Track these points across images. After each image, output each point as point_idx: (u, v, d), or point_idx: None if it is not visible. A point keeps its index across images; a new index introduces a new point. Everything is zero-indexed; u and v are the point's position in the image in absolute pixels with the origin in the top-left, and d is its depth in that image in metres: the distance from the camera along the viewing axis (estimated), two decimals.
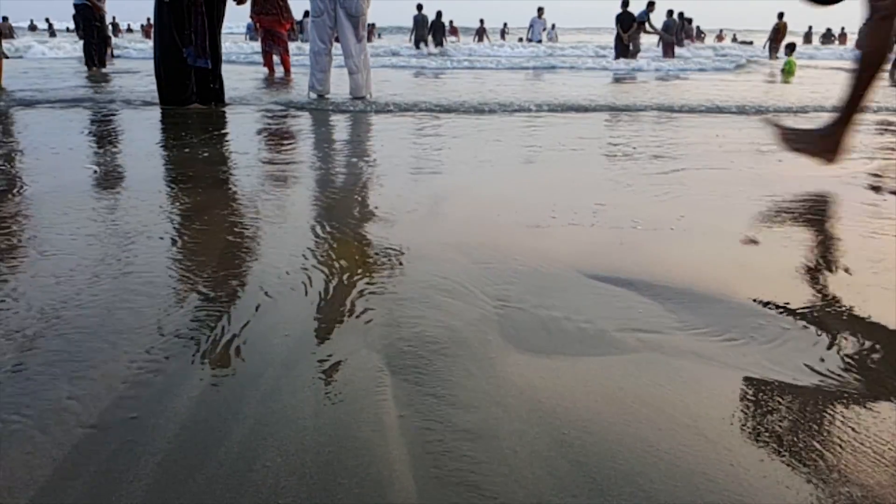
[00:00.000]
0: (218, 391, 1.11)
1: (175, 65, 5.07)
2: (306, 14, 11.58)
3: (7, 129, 4.17)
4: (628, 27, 15.61)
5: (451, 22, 23.36)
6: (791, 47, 12.61)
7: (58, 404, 1.06)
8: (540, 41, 21.88)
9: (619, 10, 15.70)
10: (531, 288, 1.58)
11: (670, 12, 17.87)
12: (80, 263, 1.70)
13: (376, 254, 1.82)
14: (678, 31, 18.79)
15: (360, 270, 1.69)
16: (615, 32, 16.03)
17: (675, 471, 0.91)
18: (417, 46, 19.40)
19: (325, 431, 0.99)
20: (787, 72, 11.38)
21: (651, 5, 16.34)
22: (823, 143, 2.59)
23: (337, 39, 5.73)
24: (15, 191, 2.50)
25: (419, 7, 20.20)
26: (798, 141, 2.75)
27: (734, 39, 33.92)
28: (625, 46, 15.70)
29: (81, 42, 10.27)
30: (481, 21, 27.13)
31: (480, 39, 25.73)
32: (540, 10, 22.05)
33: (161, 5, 4.96)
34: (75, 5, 9.65)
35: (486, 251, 1.84)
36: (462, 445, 0.96)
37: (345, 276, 1.65)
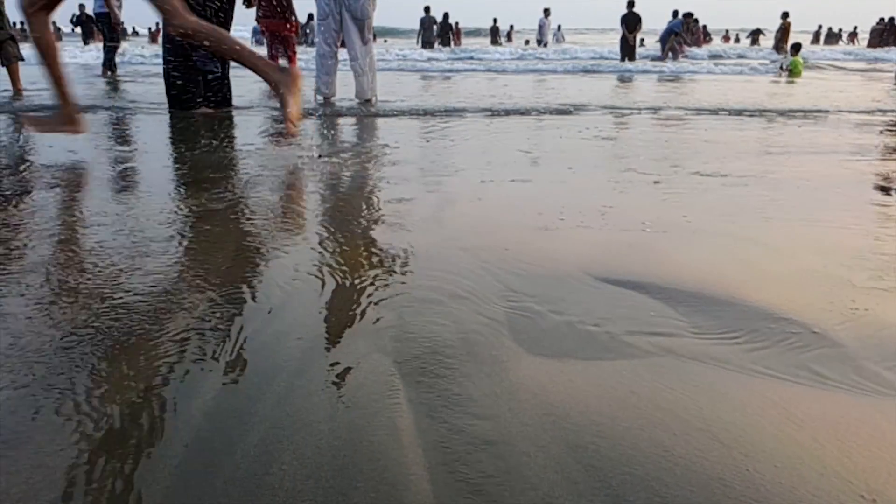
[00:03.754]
0: (232, 395, 1.11)
1: (184, 69, 5.09)
2: (311, 17, 11.58)
3: (24, 133, 4.19)
4: (633, 28, 15.63)
5: (456, 24, 23.29)
6: (796, 47, 12.51)
7: (73, 409, 1.06)
8: (547, 43, 21.70)
9: (625, 11, 15.72)
10: (541, 291, 1.58)
11: (675, 13, 17.89)
12: (92, 267, 1.71)
13: (385, 257, 1.83)
14: (685, 33, 18.87)
15: (369, 273, 1.69)
16: (621, 34, 16.06)
17: (690, 476, 0.91)
18: (424, 48, 19.38)
19: (340, 435, 0.99)
20: (793, 72, 11.28)
21: (689, 16, 16.57)
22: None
23: (342, 42, 5.74)
24: (30, 194, 2.52)
25: (426, 9, 20.14)
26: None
27: (737, 40, 33.80)
28: (630, 47, 15.71)
29: (100, 46, 10.34)
30: (494, 20, 26.89)
31: (494, 41, 25.50)
32: (546, 10, 21.82)
33: None
34: (96, 14, 9.69)
35: (494, 253, 1.84)
36: (476, 450, 0.97)
37: (355, 280, 1.65)
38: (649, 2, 16.25)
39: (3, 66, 6.39)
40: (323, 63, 5.69)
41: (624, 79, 10.54)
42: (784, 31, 18.89)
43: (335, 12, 5.51)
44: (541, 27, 22.34)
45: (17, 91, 6.44)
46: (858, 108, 5.96)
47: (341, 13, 5.51)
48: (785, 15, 18.82)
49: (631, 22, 15.68)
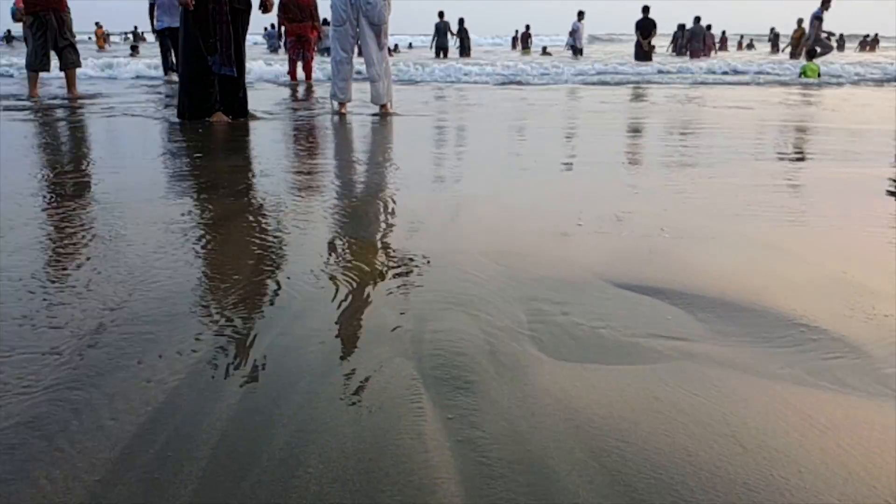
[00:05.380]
0: (257, 398, 1.12)
1: (200, 74, 5.11)
2: (325, 22, 11.56)
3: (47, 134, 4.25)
4: (648, 34, 15.67)
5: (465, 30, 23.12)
6: (811, 53, 12.43)
7: (101, 412, 1.08)
8: (581, 50, 19.83)
9: (640, 17, 15.74)
10: (561, 296, 1.59)
11: (683, 22, 18.10)
12: (115, 272, 1.73)
13: (405, 262, 1.84)
14: (703, 39, 18.88)
15: (389, 279, 1.71)
16: (635, 39, 16.14)
17: (715, 481, 0.91)
18: (438, 55, 19.19)
19: (366, 439, 1.00)
20: (806, 74, 11.26)
21: (709, 27, 16.73)
22: None
23: (358, 48, 5.76)
24: (47, 199, 2.55)
25: (441, 14, 20.00)
26: None
27: (750, 46, 33.01)
28: (645, 53, 15.75)
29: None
30: (527, 27, 26.12)
31: (525, 46, 24.81)
32: (580, 13, 19.87)
33: (186, 13, 5.02)
34: (170, 28, 9.59)
35: (514, 259, 1.85)
36: (500, 454, 0.97)
37: (375, 285, 1.66)
38: (660, 2, 16.08)
39: (60, 70, 6.70)
40: (339, 69, 5.70)
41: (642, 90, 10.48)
42: (797, 38, 18.96)
43: (352, 18, 5.52)
44: (574, 31, 20.78)
45: (74, 96, 6.83)
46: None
47: (358, 18, 5.52)
48: (799, 22, 18.83)
49: (646, 28, 15.71)
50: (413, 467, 0.93)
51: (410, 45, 31.83)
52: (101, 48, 25.82)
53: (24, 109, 5.92)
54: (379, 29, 5.56)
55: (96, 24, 29.16)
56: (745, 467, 0.94)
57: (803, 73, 11.33)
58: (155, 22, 9.62)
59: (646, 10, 15.73)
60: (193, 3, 4.90)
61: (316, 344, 1.33)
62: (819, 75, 11.23)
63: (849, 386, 1.18)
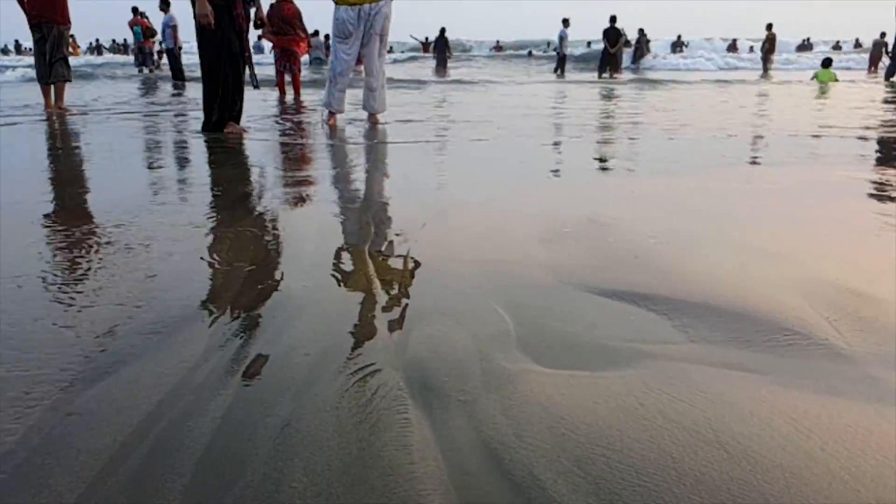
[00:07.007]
0: (241, 411, 1.12)
1: (215, 89, 5.05)
2: (315, 33, 11.55)
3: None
4: (615, 43, 16.45)
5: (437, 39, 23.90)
6: (827, 62, 13.01)
7: (83, 426, 1.07)
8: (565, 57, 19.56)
9: (607, 26, 16.51)
10: (547, 303, 1.59)
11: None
12: (100, 285, 1.72)
13: (391, 271, 1.84)
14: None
15: (375, 288, 1.70)
16: (602, 47, 17.09)
17: (700, 487, 0.91)
18: (438, 66, 20.73)
19: (351, 451, 1.00)
20: (820, 77, 11.95)
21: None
22: None
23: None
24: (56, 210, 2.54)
25: (442, 30, 21.41)
26: None
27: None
28: (610, 59, 16.64)
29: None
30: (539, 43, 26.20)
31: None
32: (565, 21, 18.66)
33: (202, 32, 4.91)
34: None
35: (500, 267, 1.85)
36: (485, 463, 0.97)
37: (361, 294, 1.66)
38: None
39: (49, 82, 6.70)
40: (338, 80, 5.65)
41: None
42: (771, 42, 19.56)
43: (359, 31, 5.47)
44: (562, 40, 20.43)
45: (48, 106, 6.77)
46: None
47: (365, 30, 5.48)
48: (769, 27, 19.36)
49: (612, 36, 16.50)
50: (398, 479, 0.93)
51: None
52: (76, 55, 26.36)
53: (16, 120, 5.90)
54: (383, 38, 5.55)
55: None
56: (729, 473, 0.94)
57: (816, 75, 11.99)
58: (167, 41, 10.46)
59: (613, 19, 16.50)
60: (213, 24, 4.81)
61: (301, 356, 1.32)
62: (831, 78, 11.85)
63: (833, 389, 1.18)
